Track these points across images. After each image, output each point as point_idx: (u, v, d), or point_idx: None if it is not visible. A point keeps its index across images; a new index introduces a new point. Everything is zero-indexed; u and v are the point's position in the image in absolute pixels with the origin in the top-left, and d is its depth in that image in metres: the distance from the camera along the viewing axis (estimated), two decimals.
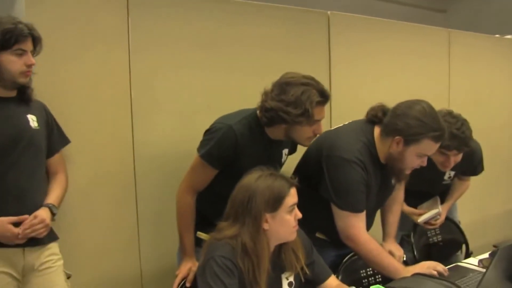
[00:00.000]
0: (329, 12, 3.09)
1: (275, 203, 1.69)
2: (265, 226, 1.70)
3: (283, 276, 1.82)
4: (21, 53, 1.79)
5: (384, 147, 2.06)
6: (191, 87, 2.56)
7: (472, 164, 2.74)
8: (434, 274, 1.96)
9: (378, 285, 1.49)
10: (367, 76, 3.32)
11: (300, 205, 2.16)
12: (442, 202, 2.85)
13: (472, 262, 2.30)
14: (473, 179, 4.08)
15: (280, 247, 1.80)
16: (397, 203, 2.44)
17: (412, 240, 2.77)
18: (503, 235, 4.24)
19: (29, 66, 1.82)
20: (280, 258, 1.81)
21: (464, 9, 6.96)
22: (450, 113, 2.46)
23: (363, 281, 2.24)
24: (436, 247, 2.85)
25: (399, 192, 2.45)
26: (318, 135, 2.08)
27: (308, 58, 3.03)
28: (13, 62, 1.78)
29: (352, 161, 2.02)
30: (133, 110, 2.39)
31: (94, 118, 2.28)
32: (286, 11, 2.95)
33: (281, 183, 1.72)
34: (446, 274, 1.99)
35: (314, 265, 1.90)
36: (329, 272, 1.94)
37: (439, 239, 2.88)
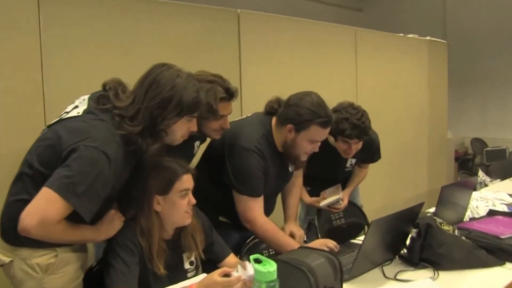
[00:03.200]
0: (239, 10, 3.24)
1: (166, 186, 1.82)
2: (157, 207, 1.84)
3: (184, 256, 1.96)
4: (191, 119, 1.81)
5: (280, 136, 2.24)
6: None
7: (370, 153, 2.99)
8: (326, 249, 2.16)
9: (258, 254, 1.65)
10: (277, 73, 3.51)
11: (205, 191, 2.34)
12: (344, 188, 3.08)
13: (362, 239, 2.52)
14: (383, 168, 4.43)
15: (180, 231, 1.94)
16: (297, 187, 2.64)
17: (316, 223, 2.98)
18: None
19: (191, 132, 1.87)
20: (180, 240, 1.94)
21: (379, 8, 7.38)
22: (351, 105, 2.70)
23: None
24: (340, 229, 3.07)
25: (298, 178, 2.64)
26: (225, 128, 2.20)
27: (219, 55, 3.16)
28: (182, 128, 1.81)
29: (251, 150, 2.18)
30: (46, 106, 2.42)
31: (5, 113, 2.30)
32: (197, 9, 3.06)
33: (173, 168, 1.85)
34: (336, 249, 2.20)
35: (213, 245, 2.06)
36: (228, 251, 2.09)
37: (342, 222, 3.11)
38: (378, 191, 4.45)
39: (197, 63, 2.97)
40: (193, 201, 1.89)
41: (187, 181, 1.87)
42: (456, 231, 2.25)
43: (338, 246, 2.23)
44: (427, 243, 2.09)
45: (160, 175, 1.83)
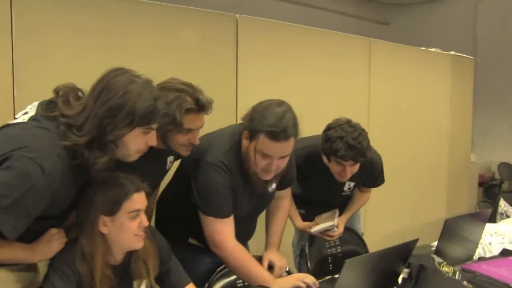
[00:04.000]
0: (237, 15, 3.02)
1: (112, 206, 1.59)
2: (104, 229, 1.61)
3: (135, 283, 1.73)
4: (148, 131, 1.58)
5: (243, 145, 1.97)
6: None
7: (372, 176, 2.69)
8: (303, 287, 1.89)
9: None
10: (276, 82, 3.26)
11: (174, 210, 2.11)
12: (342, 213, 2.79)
13: None
14: (395, 191, 4.13)
15: (130, 255, 1.70)
16: (281, 211, 2.34)
17: (307, 251, 2.70)
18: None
19: (148, 147, 1.63)
20: (130, 267, 1.71)
21: (407, 22, 7.06)
22: (348, 122, 2.41)
23: None
24: (335, 258, 2.78)
25: (284, 201, 2.36)
26: (194, 144, 1.94)
27: (215, 60, 2.96)
28: (137, 141, 1.57)
29: (215, 165, 1.93)
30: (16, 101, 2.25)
31: None
32: (194, 13, 2.87)
33: (123, 186, 1.61)
34: (315, 287, 1.92)
35: (170, 273, 1.82)
36: (186, 280, 1.85)
37: (338, 251, 2.81)
38: (388, 216, 4.13)
39: (192, 67, 2.83)
40: (145, 223, 1.65)
41: (138, 201, 1.63)
42: (457, 273, 1.94)
43: (317, 283, 1.95)
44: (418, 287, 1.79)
45: (106, 193, 1.60)
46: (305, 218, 2.75)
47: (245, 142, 1.94)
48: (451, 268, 1.95)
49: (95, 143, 1.50)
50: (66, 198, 1.58)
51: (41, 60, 2.32)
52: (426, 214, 4.40)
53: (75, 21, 2.42)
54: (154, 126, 1.60)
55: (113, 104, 1.49)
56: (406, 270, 1.85)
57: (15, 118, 1.59)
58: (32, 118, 1.55)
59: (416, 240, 1.84)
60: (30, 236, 1.56)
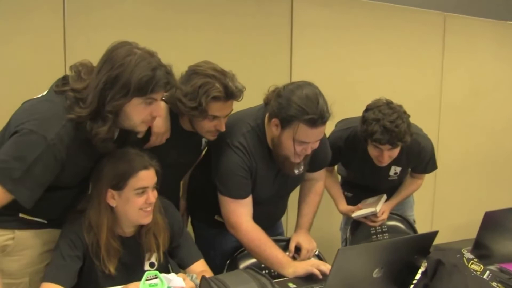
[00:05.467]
0: None
1: (119, 181, 1.65)
2: (112, 202, 1.68)
3: (146, 256, 1.80)
4: (151, 102, 1.62)
5: (269, 130, 1.94)
6: None
7: (421, 161, 2.53)
8: (316, 273, 1.85)
9: (156, 271, 1.45)
10: (334, 61, 3.16)
11: (202, 187, 2.15)
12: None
13: None
14: (468, 179, 3.83)
15: (141, 228, 1.77)
16: (313, 194, 2.29)
17: (348, 236, 2.62)
18: None
19: (154, 118, 1.68)
20: (141, 239, 1.78)
21: None
22: (387, 104, 2.27)
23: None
24: None
25: (317, 183, 2.30)
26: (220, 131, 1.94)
27: (269, 38, 2.93)
28: (139, 111, 1.61)
29: (233, 145, 1.92)
30: None
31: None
32: None
33: (131, 163, 1.67)
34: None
35: (180, 248, 1.87)
36: (196, 257, 1.88)
37: (385, 237, 2.68)
38: (459, 206, 3.85)
39: (247, 41, 2.86)
40: (152, 199, 1.70)
41: (144, 179, 1.68)
42: (487, 273, 1.77)
43: None
44: (433, 286, 1.66)
45: (115, 168, 1.67)
46: (351, 202, 2.67)
47: (274, 130, 1.90)
48: (481, 266, 1.79)
49: (97, 115, 1.56)
50: (78, 169, 1.67)
51: (91, 35, 2.44)
52: (502, 205, 4.03)
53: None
54: (156, 96, 1.62)
55: (110, 75, 1.54)
56: (425, 264, 1.72)
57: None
58: (46, 93, 1.67)
59: (435, 232, 1.70)
60: (49, 204, 1.68)
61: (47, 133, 1.52)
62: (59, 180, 1.62)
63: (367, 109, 2.28)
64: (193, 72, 1.84)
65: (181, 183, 2.33)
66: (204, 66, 1.85)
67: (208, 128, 1.90)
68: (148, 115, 1.64)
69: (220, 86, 1.81)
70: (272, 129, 1.90)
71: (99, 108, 1.56)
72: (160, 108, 1.67)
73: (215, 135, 1.94)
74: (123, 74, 1.53)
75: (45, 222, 1.74)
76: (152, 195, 1.70)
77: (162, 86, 1.60)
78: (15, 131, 1.53)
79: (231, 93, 1.83)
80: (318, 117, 1.80)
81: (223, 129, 1.91)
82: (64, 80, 1.66)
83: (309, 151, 1.91)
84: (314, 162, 2.13)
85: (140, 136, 1.79)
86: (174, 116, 1.94)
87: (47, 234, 1.76)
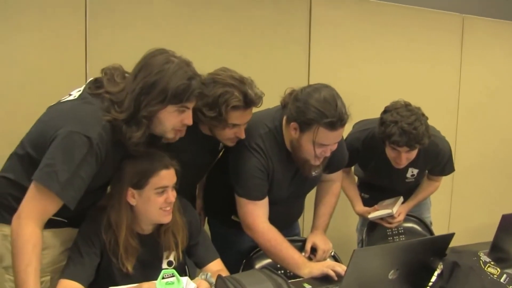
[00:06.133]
0: None
1: (139, 180, 1.68)
2: (132, 201, 1.71)
3: (164, 254, 1.82)
4: (184, 110, 1.66)
5: (288, 133, 1.95)
6: None
7: (438, 163, 2.52)
8: (331, 274, 1.86)
9: (172, 269, 1.47)
10: (352, 64, 3.17)
11: (219, 187, 2.17)
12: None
13: None
14: (488, 180, 3.80)
15: (160, 227, 1.80)
16: (330, 195, 2.30)
17: (364, 238, 2.62)
18: None
19: (185, 125, 1.71)
20: (159, 237, 1.81)
21: None
22: (406, 106, 2.28)
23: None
24: None
25: (334, 184, 2.31)
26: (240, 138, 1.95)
27: (288, 41, 2.96)
28: (172, 118, 1.65)
29: (251, 147, 1.94)
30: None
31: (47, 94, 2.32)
32: None
33: (152, 162, 1.69)
34: None
35: (198, 247, 1.89)
36: (214, 256, 1.90)
37: (401, 239, 2.68)
38: (476, 208, 3.81)
39: (266, 44, 2.87)
40: (172, 198, 1.73)
41: (165, 178, 1.70)
42: (504, 276, 1.76)
43: None
44: (450, 287, 1.66)
45: (136, 167, 1.69)
46: (368, 203, 2.67)
47: (293, 133, 1.91)
48: (498, 269, 1.77)
49: (132, 119, 1.60)
50: (109, 170, 1.70)
51: (113, 36, 2.49)
52: None
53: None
54: (189, 105, 1.66)
55: (147, 81, 1.58)
56: (441, 266, 1.73)
57: (70, 95, 1.75)
58: (80, 95, 1.70)
59: (451, 234, 1.70)
60: (80, 207, 1.70)
61: (89, 133, 1.55)
62: (91, 183, 1.64)
63: (385, 111, 2.28)
64: (212, 81, 1.85)
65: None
66: (223, 75, 1.86)
67: (229, 136, 1.92)
68: (179, 122, 1.68)
69: (239, 95, 1.82)
70: (291, 132, 1.92)
71: (134, 112, 1.59)
72: (190, 116, 1.69)
73: (235, 141, 1.96)
74: (161, 81, 1.57)
75: (66, 221, 1.76)
76: (172, 195, 1.73)
77: (196, 95, 1.65)
78: (57, 135, 1.55)
79: (250, 101, 1.85)
80: (337, 120, 1.81)
81: (243, 136, 1.93)
82: (97, 82, 1.70)
83: (328, 153, 1.93)
84: (331, 164, 2.14)
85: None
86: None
87: (65, 232, 1.79)
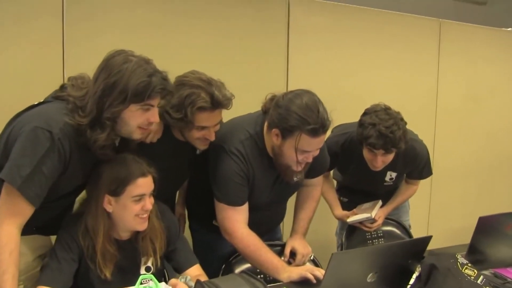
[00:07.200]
0: None
1: (117, 188, 1.66)
2: (108, 208, 1.69)
3: (142, 260, 1.80)
4: (148, 108, 1.63)
5: (269, 139, 1.95)
6: None
7: (416, 167, 2.55)
8: (310, 278, 1.85)
9: (151, 275, 1.46)
10: (330, 68, 3.18)
11: (200, 192, 2.16)
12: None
13: None
14: (466, 185, 3.85)
15: (138, 233, 1.78)
16: (311, 200, 2.30)
17: (343, 241, 2.64)
18: None
19: (151, 123, 1.68)
20: (137, 243, 1.79)
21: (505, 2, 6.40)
22: (385, 110, 2.30)
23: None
24: None
25: (314, 189, 2.31)
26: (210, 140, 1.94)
27: (266, 44, 2.96)
28: (136, 117, 1.62)
29: (230, 152, 1.93)
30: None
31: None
32: None
33: (129, 170, 1.68)
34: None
35: (176, 252, 1.87)
36: (192, 261, 1.89)
37: (380, 242, 2.70)
38: (455, 211, 3.86)
39: (245, 49, 2.87)
40: (149, 206, 1.71)
41: (142, 186, 1.68)
42: (481, 277, 1.79)
43: None
44: None
45: (113, 174, 1.67)
46: (347, 207, 2.68)
47: (274, 140, 1.90)
48: (475, 271, 1.80)
49: (96, 123, 1.58)
50: (77, 175, 1.68)
51: (91, 44, 2.44)
52: (497, 210, 4.05)
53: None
54: (153, 102, 1.63)
55: (107, 82, 1.57)
56: (419, 269, 1.74)
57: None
58: (44, 100, 1.70)
59: (429, 237, 1.71)
60: (39, 212, 1.68)
61: (52, 128, 1.54)
62: (57, 185, 1.62)
63: (364, 113, 2.30)
64: (179, 83, 1.84)
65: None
66: (190, 77, 1.85)
67: (198, 137, 1.90)
68: (145, 121, 1.65)
69: (206, 96, 1.80)
70: (272, 139, 1.91)
71: (98, 115, 1.58)
72: (156, 114, 1.67)
73: (206, 143, 1.94)
74: (120, 81, 1.55)
75: (33, 229, 1.73)
76: (149, 202, 1.71)
77: (158, 92, 1.62)
78: (21, 133, 1.54)
79: (217, 102, 1.82)
80: (320, 127, 1.81)
81: (212, 138, 1.91)
82: (62, 89, 1.69)
83: (310, 159, 1.93)
84: (313, 169, 2.14)
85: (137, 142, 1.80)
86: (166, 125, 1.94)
87: (34, 240, 1.76)
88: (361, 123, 2.27)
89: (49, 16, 2.37)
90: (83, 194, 1.80)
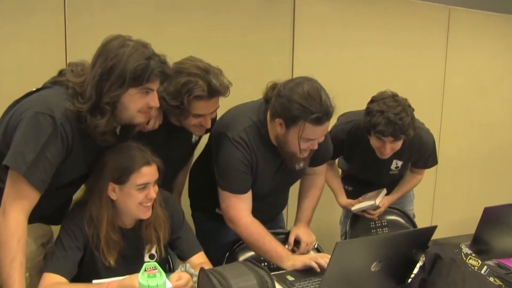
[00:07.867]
0: None
1: (121, 176, 1.66)
2: (113, 195, 1.69)
3: (146, 248, 1.81)
4: (147, 91, 1.62)
5: (273, 128, 1.94)
6: None
7: (421, 156, 2.53)
8: (314, 266, 1.85)
9: (155, 263, 1.46)
10: (336, 56, 3.16)
11: (203, 180, 2.15)
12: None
13: None
14: (469, 175, 3.83)
15: (141, 221, 1.78)
16: (315, 188, 2.29)
17: (348, 230, 2.63)
18: None
19: (151, 108, 1.67)
20: (141, 231, 1.79)
21: None
22: (393, 97, 2.28)
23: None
24: None
25: (318, 178, 2.30)
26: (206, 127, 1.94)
27: (272, 35, 2.93)
28: (136, 101, 1.61)
29: (234, 140, 1.92)
30: None
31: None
32: None
33: (134, 158, 1.67)
34: None
35: (180, 240, 1.88)
36: (196, 249, 1.89)
37: (384, 231, 2.70)
38: (461, 200, 3.85)
39: (250, 41, 2.85)
40: (153, 195, 1.71)
41: (146, 174, 1.68)
42: (485, 268, 1.78)
43: None
44: (431, 280, 1.66)
45: (117, 162, 1.67)
46: (352, 196, 2.68)
47: (278, 129, 1.89)
48: (479, 261, 1.79)
49: (96, 108, 1.57)
50: (80, 163, 1.68)
51: (92, 38, 2.42)
52: (502, 200, 4.03)
53: None
54: (152, 86, 1.62)
55: (105, 67, 1.55)
56: (423, 258, 1.73)
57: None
58: (42, 86, 1.70)
59: (434, 227, 1.71)
60: (54, 204, 1.70)
61: (54, 113, 1.53)
62: (60, 171, 1.62)
63: (372, 101, 2.29)
64: (177, 70, 1.82)
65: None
66: (188, 64, 1.84)
67: (193, 123, 1.90)
68: (145, 105, 1.64)
69: (203, 84, 1.79)
70: (276, 128, 1.90)
71: (97, 101, 1.57)
72: (155, 98, 1.65)
73: (202, 130, 1.94)
74: (117, 65, 1.54)
75: (38, 218, 1.72)
76: (153, 191, 1.71)
77: (157, 75, 1.60)
78: (22, 118, 1.53)
79: (214, 91, 1.82)
80: (323, 114, 1.80)
81: (208, 125, 1.91)
82: (61, 74, 1.68)
83: (315, 146, 1.92)
84: (317, 157, 2.14)
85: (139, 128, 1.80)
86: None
87: (36, 228, 1.76)
88: (368, 111, 2.26)
89: (50, 10, 2.35)
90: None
